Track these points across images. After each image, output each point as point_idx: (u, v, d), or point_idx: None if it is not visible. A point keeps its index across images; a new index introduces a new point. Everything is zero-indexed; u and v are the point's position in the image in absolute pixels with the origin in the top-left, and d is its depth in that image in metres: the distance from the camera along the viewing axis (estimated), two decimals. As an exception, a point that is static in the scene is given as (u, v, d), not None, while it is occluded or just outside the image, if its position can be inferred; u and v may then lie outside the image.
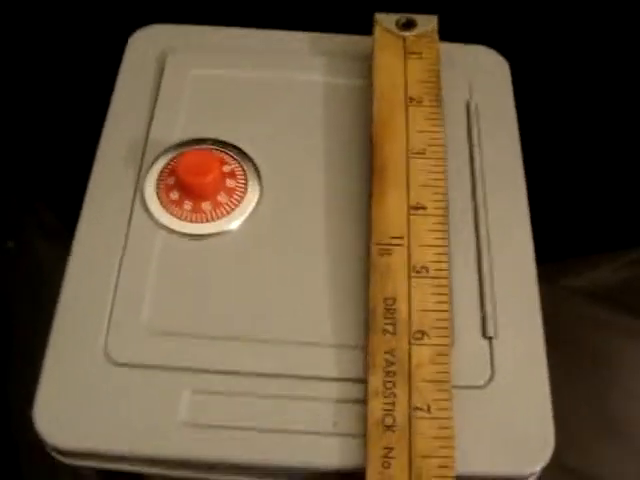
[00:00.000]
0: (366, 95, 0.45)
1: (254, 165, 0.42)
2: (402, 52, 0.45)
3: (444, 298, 0.38)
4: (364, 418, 0.35)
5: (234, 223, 0.40)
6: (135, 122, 0.44)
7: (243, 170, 0.41)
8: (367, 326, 0.37)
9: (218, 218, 0.40)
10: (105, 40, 0.51)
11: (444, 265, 0.39)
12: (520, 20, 0.65)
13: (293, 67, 0.46)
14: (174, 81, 0.45)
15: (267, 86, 0.46)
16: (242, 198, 0.41)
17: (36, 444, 0.36)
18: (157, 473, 0.36)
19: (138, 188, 0.41)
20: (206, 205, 0.40)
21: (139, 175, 0.42)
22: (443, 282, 0.38)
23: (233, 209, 0.40)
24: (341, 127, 0.44)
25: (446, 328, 0.37)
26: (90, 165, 0.42)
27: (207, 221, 0.40)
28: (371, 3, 0.47)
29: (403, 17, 0.46)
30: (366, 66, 0.46)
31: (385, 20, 0.46)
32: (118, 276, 0.39)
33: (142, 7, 0.57)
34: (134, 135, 0.43)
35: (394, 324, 0.37)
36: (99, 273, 0.39)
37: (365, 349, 0.37)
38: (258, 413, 0.36)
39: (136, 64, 0.46)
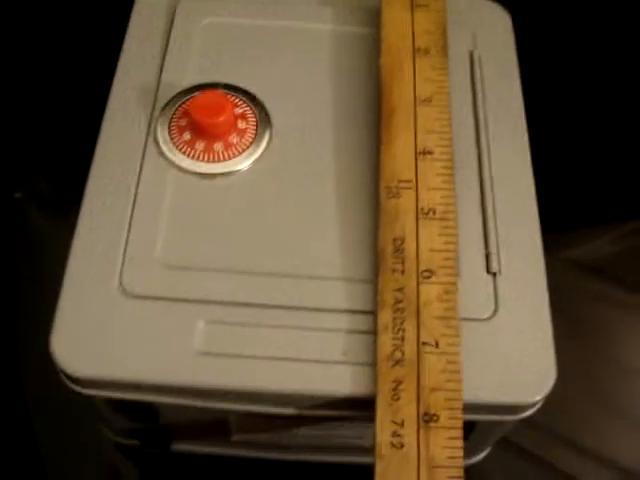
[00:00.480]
0: (373, 43, 0.46)
1: (264, 109, 0.43)
2: (409, 4, 0.46)
3: (451, 239, 0.39)
4: (374, 352, 0.37)
5: (245, 163, 0.41)
6: (147, 67, 0.44)
7: (254, 113, 0.43)
8: (376, 265, 0.38)
9: (229, 158, 0.41)
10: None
11: (451, 207, 0.40)
12: None
13: (302, 16, 0.48)
14: (184, 28, 0.46)
15: (276, 34, 0.47)
16: (253, 140, 0.42)
17: (44, 380, 0.37)
18: (171, 402, 0.38)
19: (151, 129, 0.42)
20: (218, 145, 0.41)
21: (152, 117, 0.43)
22: (450, 224, 0.39)
23: (244, 150, 0.41)
24: (349, 74, 0.46)
25: (453, 267, 0.38)
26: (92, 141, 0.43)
27: (219, 161, 0.41)
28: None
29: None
30: (373, 15, 0.47)
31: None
32: (132, 212, 0.40)
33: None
34: (146, 79, 0.44)
35: (402, 263, 0.38)
36: (113, 209, 0.40)
37: (375, 287, 0.38)
38: (270, 343, 0.37)
39: (147, 12, 0.47)
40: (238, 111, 0.42)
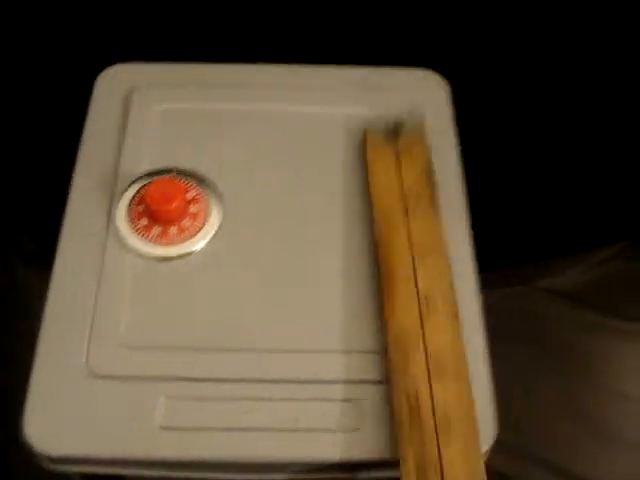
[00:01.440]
0: (325, 123, 0.49)
1: (216, 191, 0.46)
2: (394, 159, 0.48)
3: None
4: (324, 413, 0.40)
5: (198, 245, 0.44)
6: (106, 155, 0.47)
7: (206, 196, 0.46)
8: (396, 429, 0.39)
9: (184, 241, 0.44)
10: (74, 79, 0.55)
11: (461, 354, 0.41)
12: (462, 43, 0.67)
13: (254, 99, 0.51)
14: (141, 116, 0.49)
15: (229, 117, 0.50)
16: (205, 222, 0.45)
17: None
18: (138, 474, 0.40)
19: (111, 216, 0.45)
20: (173, 229, 0.44)
21: (111, 204, 0.45)
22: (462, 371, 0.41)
23: (197, 232, 0.44)
24: (302, 155, 0.49)
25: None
26: (64, 197, 0.46)
27: (174, 244, 0.44)
28: (329, 33, 0.50)
29: (390, 123, 0.49)
30: (326, 95, 0.51)
31: (374, 133, 0.49)
32: (96, 297, 0.43)
33: (109, 47, 0.61)
34: (105, 167, 0.47)
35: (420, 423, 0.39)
36: (79, 294, 0.43)
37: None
38: (227, 414, 0.40)
39: (104, 101, 0.50)
40: (190, 195, 0.45)
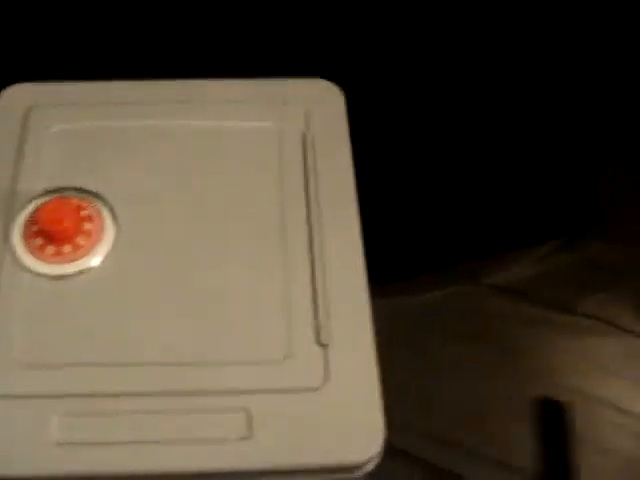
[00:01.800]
0: (223, 137, 0.50)
1: (110, 208, 0.47)
2: None
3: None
4: (215, 423, 0.41)
5: (92, 262, 0.45)
6: (3, 175, 0.48)
7: (100, 213, 0.46)
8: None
9: (78, 259, 0.45)
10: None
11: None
12: (357, 52, 0.68)
13: (151, 115, 0.51)
14: (37, 136, 0.50)
15: (128, 135, 0.50)
16: (99, 239, 0.45)
17: None
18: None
19: (7, 236, 0.46)
20: (66, 247, 0.45)
21: (7, 223, 0.46)
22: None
23: (91, 249, 0.45)
24: (201, 169, 0.49)
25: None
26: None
27: (68, 262, 0.45)
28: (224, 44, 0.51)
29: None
30: (231, 109, 0.52)
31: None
32: (-13, 317, 0.43)
33: (9, 67, 0.61)
34: (2, 187, 0.48)
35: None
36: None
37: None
38: (120, 428, 0.41)
39: (3, 121, 0.51)
40: (84, 214, 0.46)
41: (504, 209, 0.74)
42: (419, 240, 0.73)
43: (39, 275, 0.45)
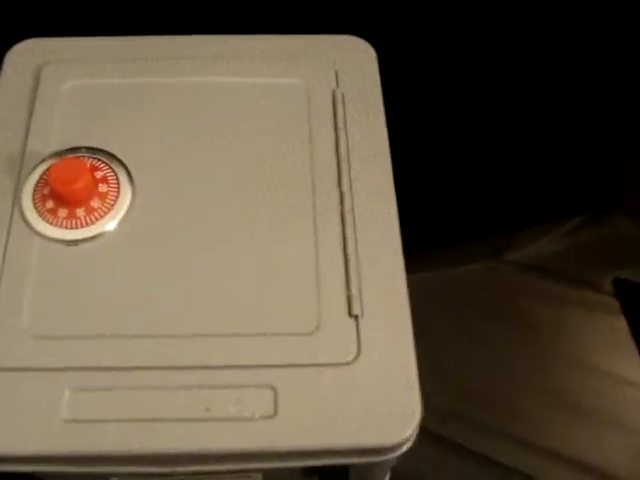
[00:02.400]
0: (239, 93, 0.47)
1: (126, 169, 0.44)
2: None
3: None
4: (237, 401, 0.38)
5: (107, 226, 0.42)
6: (12, 135, 0.45)
7: (115, 175, 0.43)
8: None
9: (92, 223, 0.42)
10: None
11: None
12: (388, 8, 0.66)
13: (170, 72, 0.48)
14: (49, 93, 0.47)
15: (139, 92, 0.47)
16: (115, 202, 0.42)
17: None
18: (45, 471, 0.38)
19: (16, 199, 0.43)
20: (80, 211, 0.42)
21: (17, 186, 0.43)
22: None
23: (106, 213, 0.42)
24: (222, 129, 0.46)
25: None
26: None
27: (82, 226, 0.42)
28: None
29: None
30: (256, 65, 0.48)
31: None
32: (-2, 284, 0.40)
33: (19, 22, 0.58)
34: (12, 148, 0.45)
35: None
36: (-23, 282, 0.40)
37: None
38: (135, 405, 0.38)
39: (13, 78, 0.48)
40: (99, 175, 0.43)
41: (528, 183, 0.71)
42: (441, 212, 0.71)
43: (50, 240, 0.42)
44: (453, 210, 0.71)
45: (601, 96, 0.71)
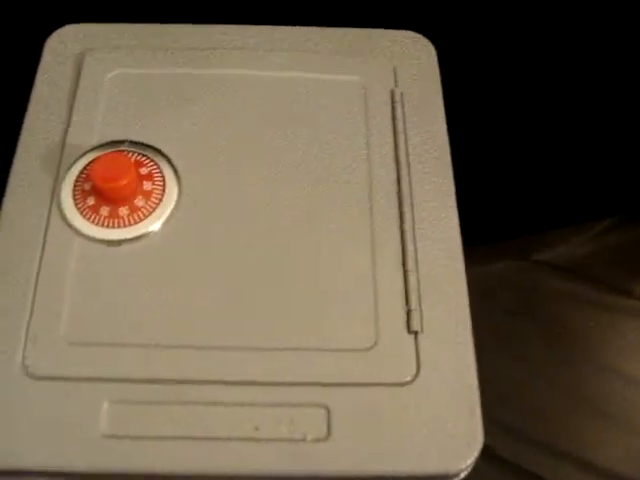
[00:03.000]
0: (307, 93, 0.44)
1: (172, 165, 0.41)
2: None
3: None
4: (289, 422, 0.35)
5: (152, 227, 0.39)
6: (53, 126, 0.43)
7: (161, 171, 0.41)
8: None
9: (135, 222, 0.39)
10: (21, 42, 0.50)
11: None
12: (447, 3, 0.64)
13: (220, 63, 0.45)
14: (92, 82, 0.44)
15: (187, 83, 0.44)
16: (160, 201, 0.40)
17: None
18: (82, 486, 0.36)
19: (55, 195, 0.40)
20: (123, 210, 0.39)
21: (56, 181, 0.41)
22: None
23: (151, 212, 0.39)
24: (275, 125, 0.43)
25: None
26: (5, 174, 0.41)
27: (125, 226, 0.39)
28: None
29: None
30: (309, 60, 0.45)
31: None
32: (35, 287, 0.38)
33: (60, 7, 0.56)
34: (51, 139, 0.42)
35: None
36: (15, 284, 0.38)
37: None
38: (178, 421, 0.35)
39: (53, 66, 0.45)
40: (144, 171, 0.40)
41: (557, 183, 0.69)
42: (472, 210, 0.69)
43: (91, 240, 0.39)
44: (484, 208, 0.69)
45: (635, 99, 0.69)
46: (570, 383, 0.64)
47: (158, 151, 0.41)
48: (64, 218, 0.39)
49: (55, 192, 0.40)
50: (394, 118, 0.43)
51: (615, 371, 0.65)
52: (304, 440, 0.35)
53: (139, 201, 0.39)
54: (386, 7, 0.48)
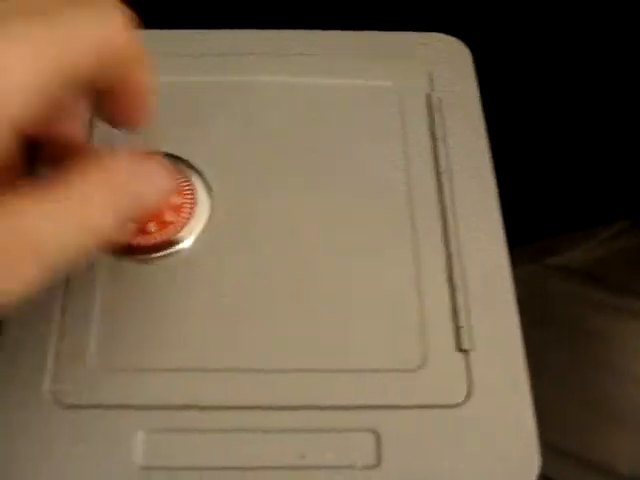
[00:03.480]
0: (343, 99, 0.42)
1: (203, 179, 0.39)
2: None
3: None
4: (336, 449, 0.33)
5: (183, 243, 0.37)
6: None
7: (191, 185, 0.38)
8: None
9: (165, 239, 0.37)
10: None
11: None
12: (482, 5, 0.62)
13: (250, 70, 0.43)
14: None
15: (218, 91, 0.42)
16: (190, 215, 0.38)
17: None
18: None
19: (80, 210, 0.38)
20: (151, 225, 0.37)
21: (81, 196, 0.38)
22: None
23: (181, 228, 0.37)
24: (310, 134, 0.41)
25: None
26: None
27: (154, 243, 0.37)
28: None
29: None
30: (344, 65, 0.43)
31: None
32: (63, 310, 0.36)
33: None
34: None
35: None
36: (42, 307, 0.36)
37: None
38: (218, 450, 0.33)
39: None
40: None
41: (569, 186, 0.68)
42: None
43: (119, 258, 0.37)
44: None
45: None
46: (584, 385, 0.63)
47: (188, 164, 0.39)
48: (90, 236, 0.37)
49: (80, 207, 0.38)
50: (432, 124, 0.41)
51: (631, 373, 0.64)
52: (354, 467, 0.33)
53: (169, 216, 0.37)
54: (418, 10, 0.47)
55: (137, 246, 0.37)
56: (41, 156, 0.31)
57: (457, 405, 0.34)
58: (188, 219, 0.38)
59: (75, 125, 0.32)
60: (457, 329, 0.36)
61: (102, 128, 0.39)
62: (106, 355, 0.35)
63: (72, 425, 0.33)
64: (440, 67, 0.43)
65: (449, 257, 0.37)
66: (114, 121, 0.31)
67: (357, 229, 0.38)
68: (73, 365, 0.35)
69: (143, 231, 0.37)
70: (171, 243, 0.37)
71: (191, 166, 0.39)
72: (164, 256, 0.37)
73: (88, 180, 0.26)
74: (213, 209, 0.38)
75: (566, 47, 0.65)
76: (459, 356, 0.35)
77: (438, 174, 0.40)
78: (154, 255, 0.37)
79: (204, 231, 0.38)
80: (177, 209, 0.38)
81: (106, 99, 0.29)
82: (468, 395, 0.34)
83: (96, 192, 0.26)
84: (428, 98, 0.42)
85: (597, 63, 0.66)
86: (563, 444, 0.61)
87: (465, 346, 0.35)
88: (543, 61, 0.65)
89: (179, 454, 0.33)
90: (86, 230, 0.26)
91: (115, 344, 0.35)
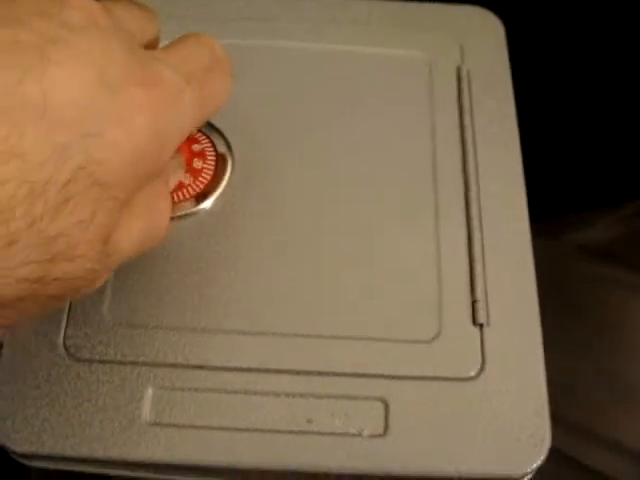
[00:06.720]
0: (370, 68, 0.42)
1: (226, 141, 0.39)
2: None
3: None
4: (344, 416, 0.33)
5: (201, 205, 0.37)
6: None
7: (214, 149, 0.38)
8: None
9: (182, 200, 0.37)
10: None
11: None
12: None
13: (277, 35, 0.43)
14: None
15: (244, 56, 0.42)
16: (208, 179, 0.37)
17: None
18: (123, 474, 0.34)
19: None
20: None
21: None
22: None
23: (199, 191, 0.37)
24: (321, 98, 0.41)
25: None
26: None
27: (173, 202, 0.37)
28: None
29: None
30: (371, 33, 0.43)
31: None
32: (78, 265, 0.36)
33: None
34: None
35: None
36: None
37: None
38: (225, 411, 0.33)
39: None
40: (196, 148, 0.38)
41: (588, 163, 0.67)
42: None
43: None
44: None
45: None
46: (597, 361, 0.62)
47: (213, 126, 0.39)
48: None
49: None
50: (460, 96, 0.41)
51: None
52: (360, 435, 0.33)
53: (186, 179, 0.37)
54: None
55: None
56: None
57: (469, 379, 0.34)
58: (205, 183, 0.37)
59: None
60: (473, 303, 0.35)
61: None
62: (120, 312, 0.35)
63: (83, 378, 0.34)
64: (472, 40, 0.43)
65: (470, 230, 0.37)
66: None
67: (380, 198, 0.38)
68: (88, 320, 0.35)
69: (162, 191, 0.37)
70: (191, 203, 0.37)
71: (214, 128, 0.39)
72: (183, 216, 0.37)
73: None
74: (234, 170, 0.38)
75: (599, 22, 0.64)
76: (474, 330, 0.35)
77: (464, 146, 0.39)
78: (173, 215, 0.37)
79: (221, 195, 0.38)
80: (196, 173, 0.37)
81: None
82: (481, 369, 0.34)
83: None
84: (458, 70, 0.42)
85: (629, 39, 0.65)
86: (575, 419, 0.60)
87: (480, 320, 0.35)
88: (575, 37, 0.64)
89: (187, 413, 0.33)
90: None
91: (130, 301, 0.35)
